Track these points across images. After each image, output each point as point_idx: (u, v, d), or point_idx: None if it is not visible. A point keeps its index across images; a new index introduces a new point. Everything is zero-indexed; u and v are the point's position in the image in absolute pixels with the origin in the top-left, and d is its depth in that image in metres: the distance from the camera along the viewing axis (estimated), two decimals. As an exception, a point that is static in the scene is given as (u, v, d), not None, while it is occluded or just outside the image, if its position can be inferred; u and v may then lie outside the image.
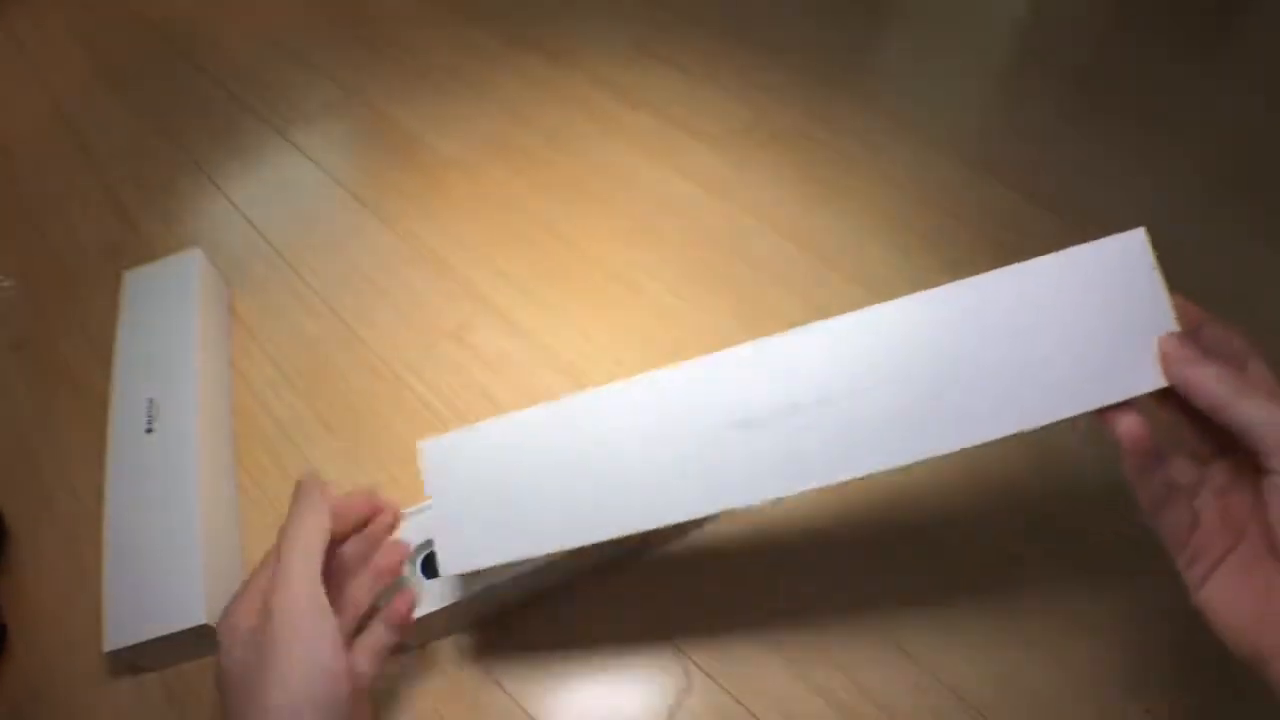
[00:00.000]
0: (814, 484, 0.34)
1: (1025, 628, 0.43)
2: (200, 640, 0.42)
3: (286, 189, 0.69)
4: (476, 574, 0.42)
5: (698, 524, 0.47)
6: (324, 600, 0.32)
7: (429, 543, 0.43)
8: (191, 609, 0.41)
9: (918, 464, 0.33)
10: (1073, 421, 0.32)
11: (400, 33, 0.84)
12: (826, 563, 0.46)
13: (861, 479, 0.34)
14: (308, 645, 0.31)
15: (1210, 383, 0.29)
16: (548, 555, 0.36)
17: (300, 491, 0.35)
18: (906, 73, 0.78)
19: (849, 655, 0.43)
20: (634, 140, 0.70)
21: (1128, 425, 0.31)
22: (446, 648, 0.44)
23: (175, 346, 0.52)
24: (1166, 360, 0.31)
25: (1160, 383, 0.31)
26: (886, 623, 0.44)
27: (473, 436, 0.38)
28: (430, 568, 0.43)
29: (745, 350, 0.35)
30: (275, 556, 0.33)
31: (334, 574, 0.37)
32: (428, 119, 0.74)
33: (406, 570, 0.42)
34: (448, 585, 0.41)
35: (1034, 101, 0.73)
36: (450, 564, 0.37)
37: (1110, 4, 0.86)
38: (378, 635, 0.37)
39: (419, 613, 0.40)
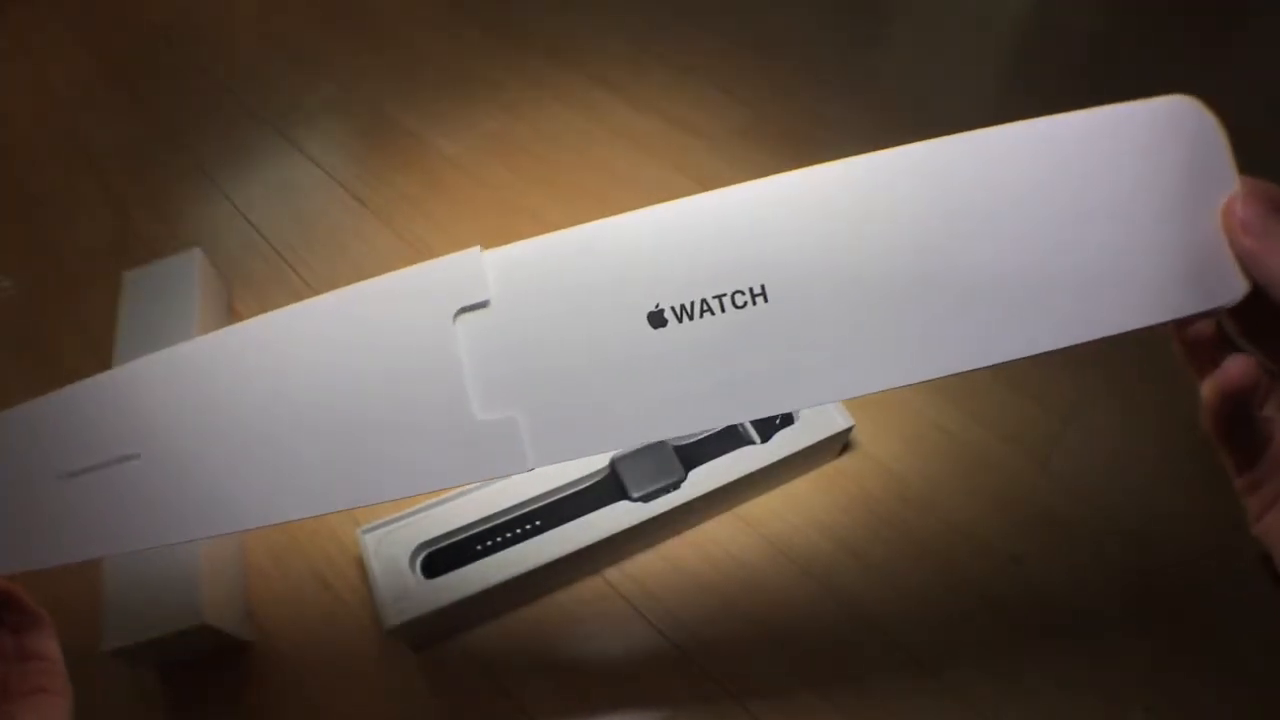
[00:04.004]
0: (746, 412, 0.24)
1: (1026, 627, 0.43)
2: (199, 640, 0.42)
3: (286, 189, 0.69)
4: (464, 575, 0.42)
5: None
6: None
7: (428, 543, 0.43)
8: (191, 609, 0.41)
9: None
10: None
11: (400, 32, 0.84)
12: (828, 563, 0.46)
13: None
14: None
15: None
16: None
17: None
18: (907, 72, 0.78)
19: (848, 653, 0.43)
20: (634, 140, 0.70)
21: (1236, 372, 0.23)
22: (446, 648, 0.44)
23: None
24: (1242, 231, 0.22)
25: (1240, 289, 0.23)
26: (886, 623, 0.44)
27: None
28: (430, 568, 0.43)
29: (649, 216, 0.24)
30: None
31: None
32: (428, 119, 0.74)
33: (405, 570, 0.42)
34: (447, 586, 0.41)
35: (1035, 101, 0.72)
36: None
37: (1111, 4, 0.85)
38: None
39: (419, 612, 0.40)
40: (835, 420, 0.47)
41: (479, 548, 0.44)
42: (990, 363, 0.23)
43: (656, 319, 0.24)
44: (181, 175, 0.71)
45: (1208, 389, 0.24)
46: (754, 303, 0.24)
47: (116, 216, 0.68)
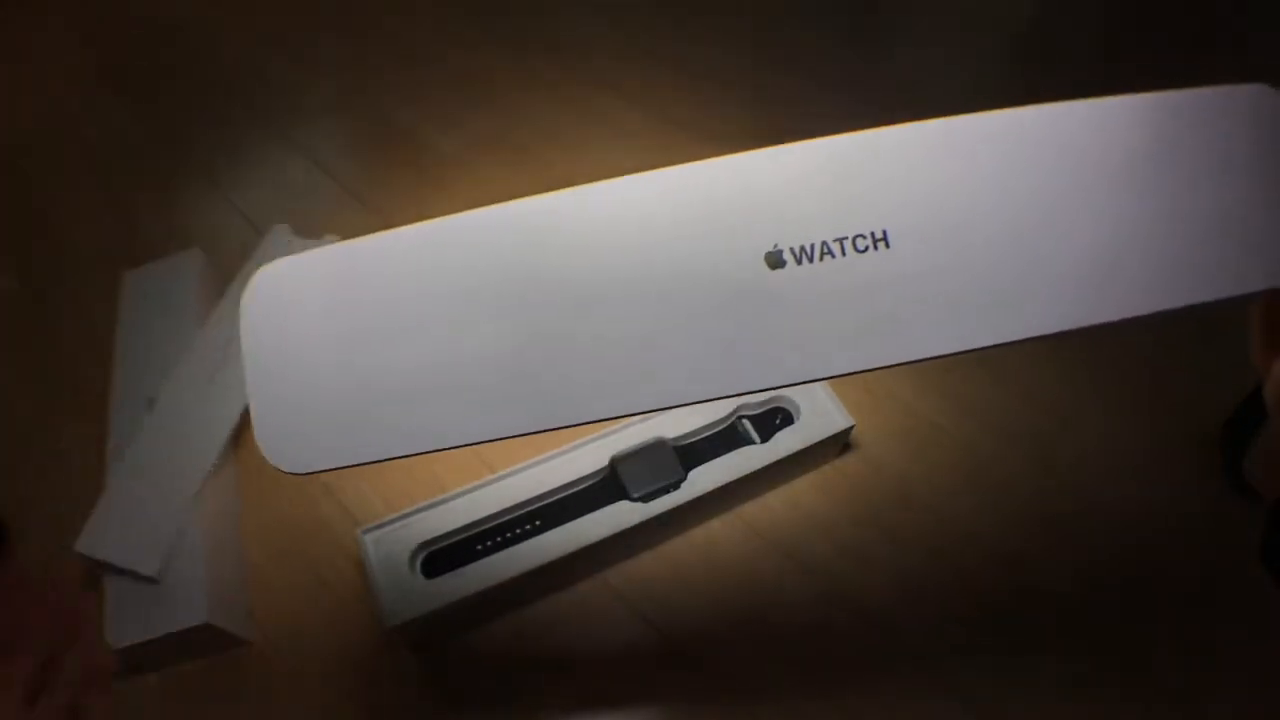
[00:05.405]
0: (879, 360, 0.24)
1: (1026, 626, 0.43)
2: (201, 640, 0.42)
3: (286, 189, 0.69)
4: (464, 575, 0.42)
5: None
6: None
7: (428, 543, 0.43)
8: (192, 608, 0.41)
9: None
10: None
11: (400, 32, 0.84)
12: (828, 563, 0.46)
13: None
14: None
15: None
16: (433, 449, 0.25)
17: None
18: (910, 75, 0.78)
19: (849, 652, 0.43)
20: (635, 140, 0.70)
21: None
22: (446, 648, 0.44)
23: (175, 346, 0.52)
24: None
25: None
26: (887, 623, 0.44)
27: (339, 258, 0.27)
28: (430, 568, 0.43)
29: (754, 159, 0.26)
30: None
31: None
32: (428, 118, 0.74)
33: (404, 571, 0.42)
34: (447, 586, 0.41)
35: (1036, 102, 0.72)
36: (286, 458, 0.25)
37: (1113, 7, 0.85)
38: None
39: (419, 612, 0.40)
40: (835, 420, 0.47)
41: (479, 548, 0.44)
42: (1109, 320, 0.24)
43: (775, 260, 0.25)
44: (181, 175, 0.71)
45: None
46: (875, 248, 0.24)
47: (117, 217, 0.68)
